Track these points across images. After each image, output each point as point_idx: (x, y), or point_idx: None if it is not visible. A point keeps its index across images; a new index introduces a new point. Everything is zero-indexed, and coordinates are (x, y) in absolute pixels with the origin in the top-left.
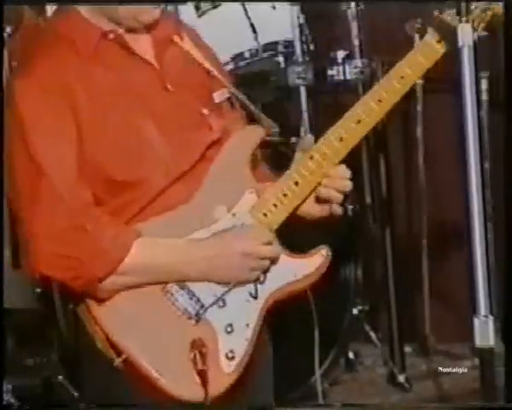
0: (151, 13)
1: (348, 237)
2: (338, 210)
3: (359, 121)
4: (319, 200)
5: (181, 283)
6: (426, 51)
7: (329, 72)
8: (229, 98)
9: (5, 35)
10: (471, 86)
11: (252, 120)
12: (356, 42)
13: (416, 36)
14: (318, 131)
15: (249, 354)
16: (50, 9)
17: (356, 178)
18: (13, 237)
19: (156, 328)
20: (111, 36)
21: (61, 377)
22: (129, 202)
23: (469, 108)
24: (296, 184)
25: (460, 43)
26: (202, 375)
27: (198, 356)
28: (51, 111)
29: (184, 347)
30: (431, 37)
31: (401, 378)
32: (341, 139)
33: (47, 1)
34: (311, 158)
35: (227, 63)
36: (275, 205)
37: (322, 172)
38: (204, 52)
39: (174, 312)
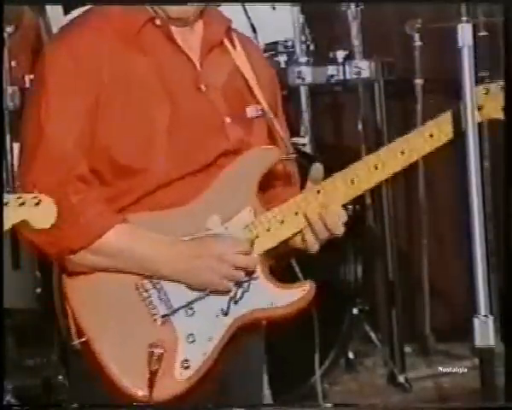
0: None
1: (348, 236)
2: (315, 247)
3: (376, 168)
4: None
5: (157, 281)
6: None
7: (329, 72)
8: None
9: (5, 35)
10: (471, 86)
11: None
12: (356, 42)
13: (416, 36)
14: (318, 131)
15: (207, 367)
16: (50, 9)
17: None
18: (13, 238)
19: (122, 319)
20: (157, 22)
21: (61, 377)
22: (129, 188)
23: (469, 108)
24: (296, 214)
25: (460, 44)
26: (152, 376)
27: (154, 357)
28: (73, 80)
29: (144, 344)
30: None
31: (401, 379)
32: (353, 182)
33: (47, 1)
34: (318, 192)
35: None
36: (268, 230)
37: (324, 207)
38: (256, 67)
39: (143, 307)
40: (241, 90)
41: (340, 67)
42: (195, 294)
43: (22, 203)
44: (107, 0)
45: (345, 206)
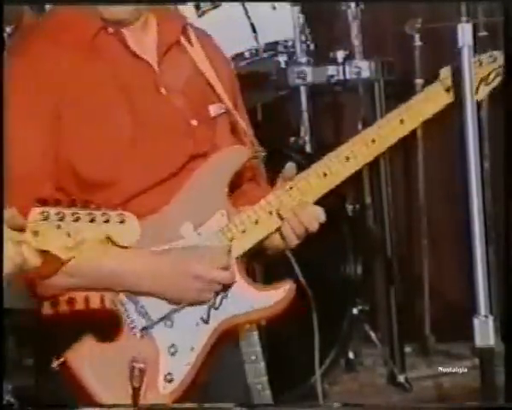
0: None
1: (348, 236)
2: (294, 242)
3: (348, 159)
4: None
5: (133, 295)
6: (431, 98)
7: (329, 72)
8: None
9: (5, 35)
10: (471, 86)
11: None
12: (356, 42)
13: (416, 36)
14: (318, 131)
15: (192, 377)
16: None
17: (356, 177)
18: None
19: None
20: (110, 30)
21: None
22: (99, 203)
23: (469, 108)
24: (270, 213)
25: (460, 44)
26: (135, 392)
27: (136, 372)
28: (34, 97)
29: (125, 360)
30: (439, 85)
31: (401, 378)
32: (325, 175)
33: (47, 1)
34: (291, 189)
35: None
36: (243, 231)
37: (297, 202)
38: (214, 62)
39: (121, 322)
40: (203, 89)
41: (340, 67)
42: (173, 305)
43: (107, 220)
44: (103, 0)
45: (345, 205)
